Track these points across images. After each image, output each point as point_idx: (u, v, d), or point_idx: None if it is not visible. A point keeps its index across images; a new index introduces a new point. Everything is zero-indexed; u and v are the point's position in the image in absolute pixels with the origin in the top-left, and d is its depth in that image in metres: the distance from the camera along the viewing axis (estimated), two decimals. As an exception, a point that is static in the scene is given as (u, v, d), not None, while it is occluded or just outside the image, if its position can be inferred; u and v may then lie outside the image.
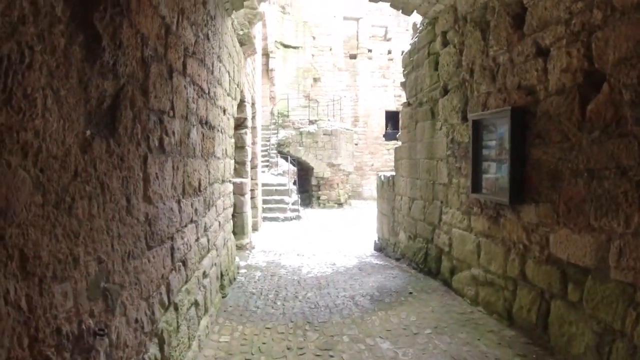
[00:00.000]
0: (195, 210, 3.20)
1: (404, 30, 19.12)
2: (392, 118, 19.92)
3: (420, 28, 5.87)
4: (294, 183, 14.90)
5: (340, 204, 16.34)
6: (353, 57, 20.11)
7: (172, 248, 2.54)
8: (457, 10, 4.58)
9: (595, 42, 2.64)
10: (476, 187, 4.21)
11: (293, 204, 13.19)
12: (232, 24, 5.29)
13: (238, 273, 5.78)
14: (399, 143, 7.03)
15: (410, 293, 4.81)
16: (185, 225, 2.88)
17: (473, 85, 4.31)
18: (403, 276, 5.64)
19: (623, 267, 2.41)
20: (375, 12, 19.19)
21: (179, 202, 2.69)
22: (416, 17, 5.91)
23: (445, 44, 5.01)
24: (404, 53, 6.76)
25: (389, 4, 5.47)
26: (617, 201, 2.46)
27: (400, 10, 5.58)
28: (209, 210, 3.77)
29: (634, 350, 2.31)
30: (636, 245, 2.32)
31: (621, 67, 2.42)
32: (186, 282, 2.90)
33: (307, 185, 16.77)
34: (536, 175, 3.29)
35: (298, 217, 12.73)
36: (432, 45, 5.43)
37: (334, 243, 8.88)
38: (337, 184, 16.44)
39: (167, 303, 2.44)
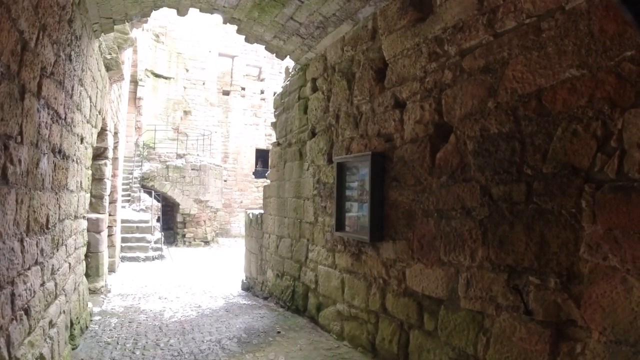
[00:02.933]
0: (42, 250, 2.81)
1: (277, 72, 19.83)
2: (262, 156, 20.18)
3: (293, 72, 6.16)
4: (158, 220, 13.99)
5: (207, 242, 15.73)
6: (226, 93, 20.15)
7: (13, 294, 2.19)
8: (327, 59, 4.93)
9: (445, 98, 3.05)
10: (340, 225, 4.42)
11: (156, 242, 12.33)
12: (99, 46, 4.94)
13: (91, 320, 5.16)
14: (269, 181, 7.12)
15: (279, 332, 4.78)
16: (29, 268, 2.51)
17: (338, 130, 4.61)
18: (271, 315, 5.60)
19: (471, 297, 2.73)
20: (251, 52, 19.64)
21: (21, 241, 2.35)
22: (289, 62, 6.19)
23: (314, 89, 5.31)
24: (276, 94, 6.97)
25: (264, 46, 5.65)
26: (463, 238, 2.81)
27: (275, 54, 5.79)
28: (57, 250, 3.34)
29: (486, 373, 2.57)
30: (481, 276, 2.65)
31: (466, 121, 2.83)
32: (29, 333, 2.50)
33: (172, 222, 15.87)
34: (394, 215, 3.60)
35: (161, 257, 11.91)
36: (302, 90, 5.71)
37: (199, 284, 8.47)
38: (205, 221, 15.85)
39: (7, 359, 2.07)
